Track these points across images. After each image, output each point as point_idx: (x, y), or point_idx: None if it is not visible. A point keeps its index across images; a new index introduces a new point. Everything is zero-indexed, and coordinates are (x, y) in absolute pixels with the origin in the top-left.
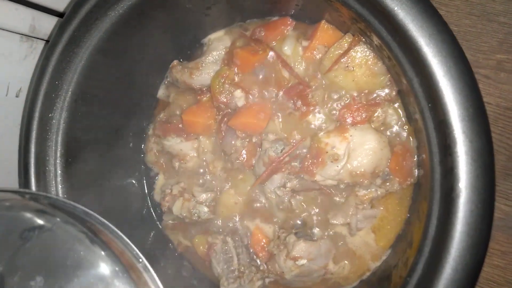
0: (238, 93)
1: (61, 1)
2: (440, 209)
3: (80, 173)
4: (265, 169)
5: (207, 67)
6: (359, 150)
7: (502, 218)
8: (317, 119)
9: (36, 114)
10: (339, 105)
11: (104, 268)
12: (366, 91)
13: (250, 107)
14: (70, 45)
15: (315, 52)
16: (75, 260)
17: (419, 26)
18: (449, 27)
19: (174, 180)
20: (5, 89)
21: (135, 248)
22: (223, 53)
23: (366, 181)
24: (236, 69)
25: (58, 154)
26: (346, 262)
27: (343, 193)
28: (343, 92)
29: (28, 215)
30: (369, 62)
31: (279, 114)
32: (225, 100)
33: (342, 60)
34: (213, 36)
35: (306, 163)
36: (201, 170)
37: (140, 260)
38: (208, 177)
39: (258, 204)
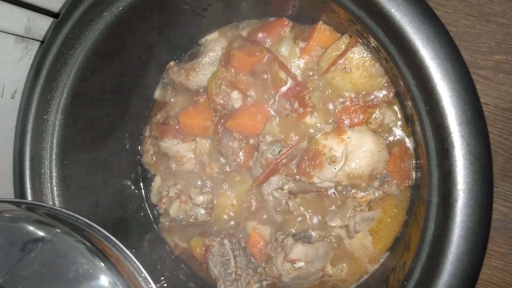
0: (235, 94)
1: (56, 1)
2: (437, 214)
3: (75, 175)
4: (262, 171)
5: (204, 68)
6: (357, 152)
7: (501, 220)
8: (314, 120)
9: (31, 116)
10: (336, 107)
11: (104, 280)
12: (364, 92)
13: (247, 109)
14: (65, 46)
15: (312, 53)
16: (75, 273)
17: (416, 28)
18: (446, 29)
19: (171, 182)
20: (1, 91)
21: (136, 261)
22: (219, 54)
23: (363, 183)
24: (233, 70)
25: (54, 156)
26: (344, 264)
27: (341, 195)
28: (341, 94)
29: (29, 226)
30: (367, 64)
31: (276, 116)
32: (222, 101)
33: (339, 62)
34: (209, 37)
35: (304, 165)
36: (198, 172)
37: (142, 274)
38: (205, 179)
39: (256, 206)
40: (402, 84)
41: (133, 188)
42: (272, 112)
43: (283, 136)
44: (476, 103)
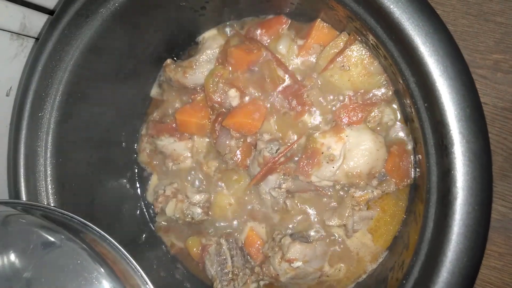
0: (233, 92)
1: None
2: (436, 211)
3: (71, 173)
4: (260, 169)
5: (201, 66)
6: (355, 151)
7: (499, 220)
8: (312, 119)
9: (26, 113)
10: (335, 105)
11: (106, 285)
12: (362, 90)
13: (244, 107)
14: (61, 43)
15: (310, 51)
16: (81, 278)
17: (416, 25)
18: (445, 26)
19: (167, 181)
20: None
21: (133, 260)
22: (217, 51)
23: (362, 182)
24: (230, 68)
25: (49, 154)
26: (342, 264)
27: (339, 194)
28: (339, 92)
29: (39, 231)
30: (365, 62)
31: (274, 114)
32: (219, 99)
33: (337, 59)
34: (207, 34)
35: (302, 163)
36: (195, 171)
37: (138, 273)
38: (202, 177)
39: (253, 205)
40: (401, 81)
41: (129, 187)
42: (270, 110)
43: (281, 135)
44: (475, 99)
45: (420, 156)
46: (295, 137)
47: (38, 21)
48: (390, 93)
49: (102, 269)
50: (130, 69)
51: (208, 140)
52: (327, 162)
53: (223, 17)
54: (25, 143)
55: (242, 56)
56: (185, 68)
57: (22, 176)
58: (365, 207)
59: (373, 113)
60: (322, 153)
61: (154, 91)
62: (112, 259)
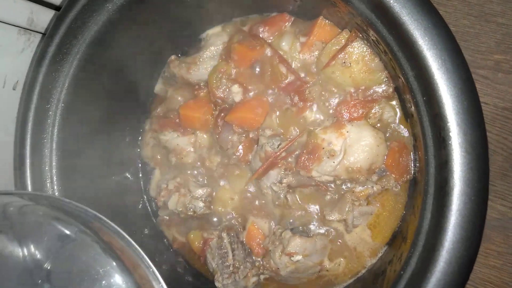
0: (236, 88)
1: None
2: (434, 203)
3: (75, 166)
4: (261, 164)
5: (205, 62)
6: (356, 146)
7: (499, 219)
8: (314, 114)
9: (33, 106)
10: (336, 101)
11: (118, 278)
12: (363, 87)
13: (247, 102)
14: (67, 37)
15: (312, 48)
16: (94, 271)
17: (415, 19)
18: (444, 21)
19: (170, 175)
20: (2, 82)
21: (141, 250)
22: (220, 48)
23: (362, 178)
24: (233, 64)
25: (54, 147)
26: (341, 259)
27: (340, 189)
28: (340, 88)
29: (54, 223)
30: (366, 58)
31: (276, 110)
32: (222, 95)
33: (339, 56)
34: (211, 31)
35: (303, 158)
36: (198, 165)
37: (151, 270)
38: (204, 172)
39: (254, 200)
40: (400, 76)
41: (132, 180)
42: (272, 106)
43: (282, 130)
44: (472, 92)
45: (419, 152)
46: (297, 133)
47: (45, 16)
48: (391, 90)
49: (113, 262)
50: (134, 64)
51: (210, 135)
52: (328, 157)
53: (227, 15)
54: (31, 136)
55: (245, 53)
56: (189, 64)
57: (28, 168)
58: (365, 203)
59: (373, 110)
60: (323, 148)
61: (158, 87)
62: (120, 249)
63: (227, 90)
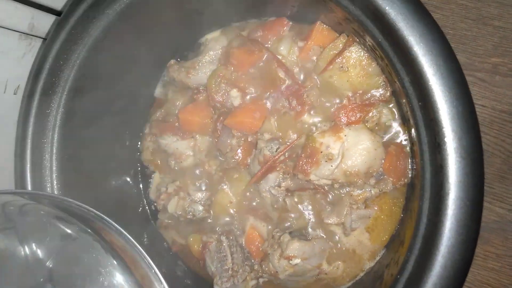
0: (234, 92)
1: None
2: (430, 207)
3: (75, 170)
4: (260, 167)
5: (204, 67)
6: (353, 150)
7: (497, 221)
8: (312, 118)
9: (33, 110)
10: (334, 105)
11: (119, 277)
12: (361, 91)
13: (245, 107)
14: (68, 42)
15: (310, 53)
16: (95, 271)
17: (410, 26)
18: (439, 26)
19: (169, 179)
20: (3, 87)
21: (148, 258)
22: (219, 52)
23: (360, 181)
24: (232, 69)
25: (54, 151)
26: (340, 262)
27: (338, 192)
28: (338, 92)
29: (56, 222)
30: (364, 63)
31: (275, 114)
32: (221, 99)
33: (337, 61)
34: (210, 36)
35: (301, 162)
36: (197, 169)
37: (152, 270)
38: (203, 176)
39: (253, 204)
40: (396, 81)
41: (132, 184)
42: (271, 110)
43: (281, 134)
44: (467, 98)
45: (416, 156)
46: (295, 136)
47: (46, 21)
48: (388, 94)
49: (114, 261)
50: (134, 69)
51: (210, 139)
52: (326, 161)
53: (226, 20)
54: (31, 140)
55: (244, 57)
56: (188, 69)
57: (28, 172)
58: (363, 206)
59: (371, 114)
60: (321, 152)
61: (158, 91)
62: (122, 248)
63: (226, 94)
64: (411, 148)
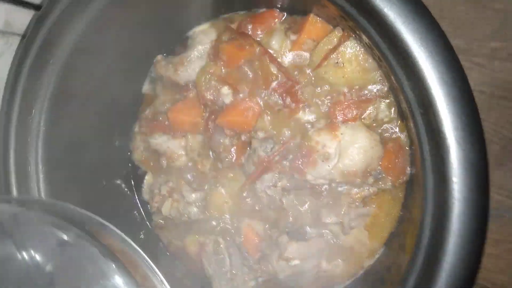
0: (225, 90)
1: None
2: (433, 221)
3: (64, 176)
4: (255, 168)
5: (192, 63)
6: (351, 149)
7: (495, 208)
8: (306, 116)
9: (14, 117)
10: (329, 102)
11: (118, 280)
12: (357, 87)
13: (238, 105)
14: (48, 40)
15: (303, 47)
16: (93, 276)
17: (411, 28)
18: (442, 30)
19: (162, 179)
20: None
21: (147, 258)
22: (208, 47)
23: (358, 180)
24: (222, 65)
25: (40, 158)
26: (339, 260)
27: (335, 191)
28: (334, 89)
29: (52, 228)
30: (360, 58)
31: (268, 111)
32: (211, 97)
33: (331, 56)
34: (198, 29)
35: (297, 162)
36: (190, 169)
37: (153, 271)
38: (197, 176)
39: (249, 204)
40: (396, 84)
41: (124, 185)
42: (264, 108)
43: (275, 132)
44: (472, 107)
45: (415, 153)
46: (290, 134)
47: (23, 17)
48: (386, 89)
49: (113, 264)
50: (120, 66)
51: (202, 138)
52: (322, 161)
53: (214, 11)
54: (14, 149)
55: (234, 53)
56: (176, 65)
57: (13, 182)
58: (361, 204)
59: (368, 110)
60: (317, 151)
61: (146, 87)
62: (120, 251)
63: (217, 92)
64: (410, 146)
